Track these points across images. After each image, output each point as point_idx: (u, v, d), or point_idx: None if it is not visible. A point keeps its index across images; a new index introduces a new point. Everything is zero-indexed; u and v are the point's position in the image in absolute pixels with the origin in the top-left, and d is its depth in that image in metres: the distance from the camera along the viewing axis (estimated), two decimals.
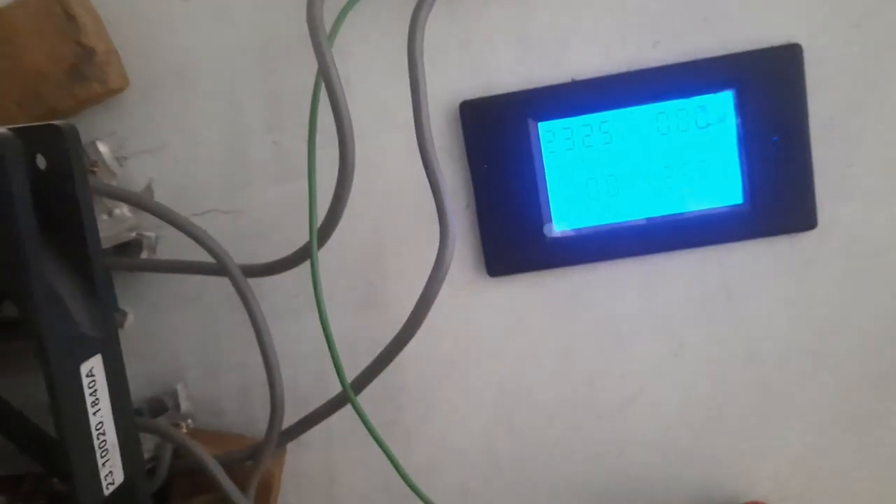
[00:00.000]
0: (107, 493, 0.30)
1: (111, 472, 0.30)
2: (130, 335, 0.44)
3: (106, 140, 0.42)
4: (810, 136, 0.39)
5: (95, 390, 0.30)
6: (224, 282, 0.42)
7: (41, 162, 0.29)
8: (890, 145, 0.39)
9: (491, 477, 0.45)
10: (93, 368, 0.30)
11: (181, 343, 0.45)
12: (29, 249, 0.27)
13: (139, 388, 0.44)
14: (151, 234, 0.43)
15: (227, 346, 0.44)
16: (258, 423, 0.44)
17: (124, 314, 0.43)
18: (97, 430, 0.30)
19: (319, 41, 0.34)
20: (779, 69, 0.38)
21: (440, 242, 0.36)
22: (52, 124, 0.29)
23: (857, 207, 0.40)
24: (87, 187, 0.30)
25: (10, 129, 0.27)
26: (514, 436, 0.44)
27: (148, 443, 0.41)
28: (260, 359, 0.40)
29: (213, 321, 0.44)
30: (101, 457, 0.30)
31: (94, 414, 0.30)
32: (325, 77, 0.34)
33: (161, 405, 0.44)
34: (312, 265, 0.37)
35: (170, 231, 0.42)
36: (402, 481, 0.39)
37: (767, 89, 0.38)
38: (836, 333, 0.41)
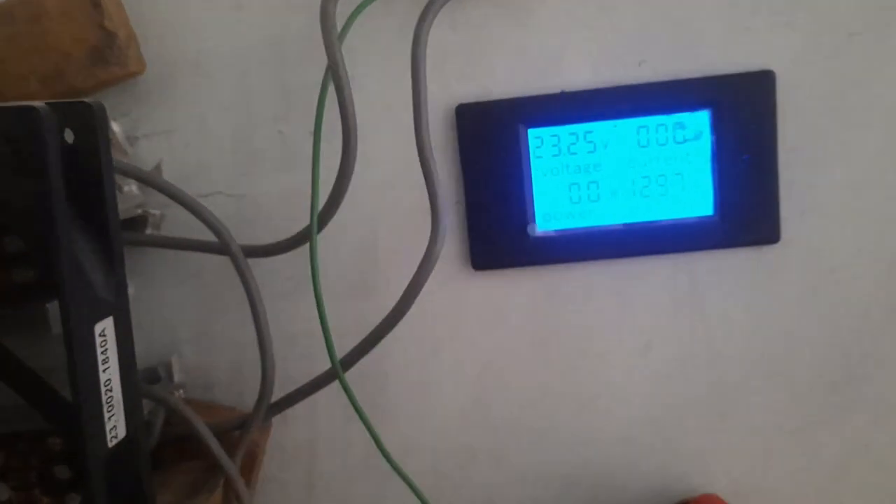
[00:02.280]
0: (110, 445, 0.32)
1: (115, 426, 0.33)
2: (130, 307, 0.46)
3: (120, 120, 0.44)
4: (778, 157, 0.42)
5: (106, 349, 0.32)
6: (222, 261, 0.44)
7: (69, 136, 0.31)
8: (850, 170, 0.42)
9: (464, 461, 0.47)
10: (105, 329, 0.32)
11: (178, 317, 0.47)
12: (59, 216, 0.29)
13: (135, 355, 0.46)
14: (157, 211, 0.45)
15: (222, 323, 0.47)
16: (247, 397, 0.47)
17: (126, 285, 0.45)
18: (105, 386, 0.32)
19: (331, 39, 0.37)
20: (753, 93, 0.41)
21: (431, 234, 0.38)
22: (83, 101, 0.31)
23: (817, 225, 0.43)
24: (110, 162, 0.32)
25: (46, 104, 0.29)
26: (488, 423, 0.47)
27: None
28: (252, 336, 0.42)
29: (210, 298, 0.46)
30: (108, 412, 0.32)
31: (104, 371, 0.32)
32: (334, 73, 0.37)
33: (155, 375, 0.46)
34: (312, 247, 0.39)
35: (174, 210, 0.44)
36: (380, 460, 0.42)
37: (741, 111, 0.41)
38: (792, 341, 0.44)
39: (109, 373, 0.32)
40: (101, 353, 0.32)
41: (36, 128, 0.28)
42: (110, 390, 0.32)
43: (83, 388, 0.30)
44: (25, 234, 0.30)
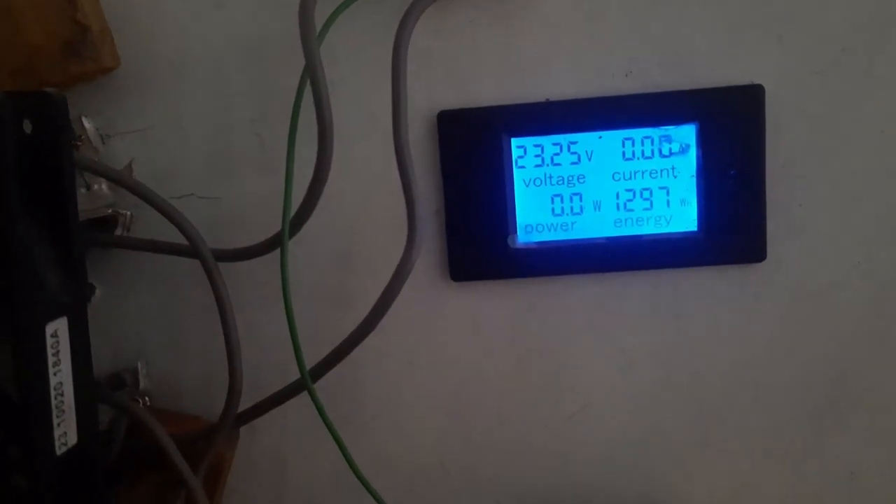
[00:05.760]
0: (59, 452, 0.31)
1: (65, 433, 0.31)
2: (96, 310, 0.45)
3: (92, 117, 0.43)
4: (766, 174, 0.41)
5: (58, 352, 0.31)
6: (193, 265, 0.43)
7: (28, 126, 0.30)
8: (839, 189, 0.41)
9: (438, 478, 0.46)
10: (57, 330, 0.31)
11: (146, 322, 0.45)
12: (10, 208, 0.28)
13: (100, 362, 0.44)
14: (127, 212, 0.43)
15: (191, 329, 0.45)
16: (215, 407, 0.45)
17: (92, 288, 0.44)
18: (55, 390, 0.31)
19: (309, 40, 0.36)
20: (741, 107, 0.40)
21: (407, 243, 0.37)
22: (42, 91, 0.30)
23: (804, 246, 0.42)
24: (70, 155, 0.31)
25: (2, 92, 0.28)
26: (464, 439, 0.45)
27: (103, 416, 0.42)
28: (222, 343, 0.41)
29: (180, 303, 0.45)
30: (57, 417, 0.31)
31: (55, 374, 0.30)
32: (311, 75, 0.36)
33: (120, 381, 0.45)
34: (282, 253, 0.38)
35: (145, 212, 0.43)
36: (350, 475, 0.40)
37: (729, 125, 0.40)
38: (776, 364, 0.43)
39: (61, 376, 0.31)
40: (52, 354, 0.30)
41: None
42: (61, 394, 0.31)
43: (29, 390, 0.29)
44: None
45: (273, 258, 0.41)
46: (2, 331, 0.30)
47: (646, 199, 0.41)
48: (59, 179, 0.31)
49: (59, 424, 0.31)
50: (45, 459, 0.30)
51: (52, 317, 0.30)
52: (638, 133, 0.41)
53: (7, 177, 0.28)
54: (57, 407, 0.30)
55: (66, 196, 0.31)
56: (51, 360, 0.30)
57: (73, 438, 0.31)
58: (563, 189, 0.42)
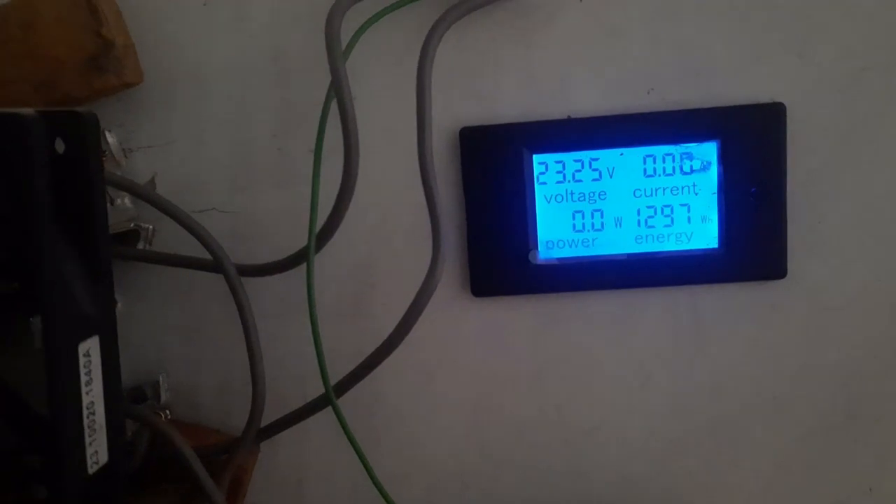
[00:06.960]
0: (91, 471, 0.31)
1: (97, 451, 0.31)
2: (118, 323, 0.45)
3: (115, 131, 0.43)
4: (786, 191, 0.41)
5: (90, 371, 0.31)
6: (214, 279, 0.43)
7: (59, 146, 0.30)
8: (860, 206, 0.42)
9: (457, 492, 0.46)
10: (90, 349, 0.31)
11: (166, 335, 0.45)
12: (42, 228, 0.28)
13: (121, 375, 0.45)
14: (149, 226, 0.44)
15: (212, 343, 0.45)
16: (234, 419, 0.45)
17: (114, 302, 0.44)
18: (88, 409, 0.31)
19: (335, 56, 0.36)
20: (763, 125, 0.41)
21: (431, 260, 0.37)
22: (73, 111, 0.30)
23: (824, 262, 0.42)
24: (101, 174, 0.31)
25: (35, 112, 0.28)
26: (483, 453, 0.45)
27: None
28: (242, 357, 0.41)
29: (200, 317, 0.45)
30: (89, 437, 0.31)
31: (87, 393, 0.30)
32: (337, 90, 0.36)
33: (141, 394, 0.45)
34: (308, 268, 0.38)
35: (167, 225, 0.43)
36: (370, 489, 0.40)
37: (750, 143, 0.41)
38: (796, 380, 0.43)
39: (93, 395, 0.31)
40: (85, 374, 0.30)
41: (22, 136, 0.27)
42: (93, 413, 0.31)
43: (64, 410, 0.29)
44: (6, 245, 0.28)
45: (291, 272, 0.42)
46: (27, 343, 0.30)
47: (667, 216, 0.42)
48: (91, 199, 0.31)
49: (90, 444, 0.31)
50: (77, 480, 0.30)
51: (85, 336, 0.30)
52: (659, 150, 0.41)
53: (38, 197, 0.28)
54: (89, 426, 0.30)
55: (96, 216, 0.31)
56: (83, 379, 0.30)
57: (104, 457, 0.31)
58: (585, 205, 0.42)
